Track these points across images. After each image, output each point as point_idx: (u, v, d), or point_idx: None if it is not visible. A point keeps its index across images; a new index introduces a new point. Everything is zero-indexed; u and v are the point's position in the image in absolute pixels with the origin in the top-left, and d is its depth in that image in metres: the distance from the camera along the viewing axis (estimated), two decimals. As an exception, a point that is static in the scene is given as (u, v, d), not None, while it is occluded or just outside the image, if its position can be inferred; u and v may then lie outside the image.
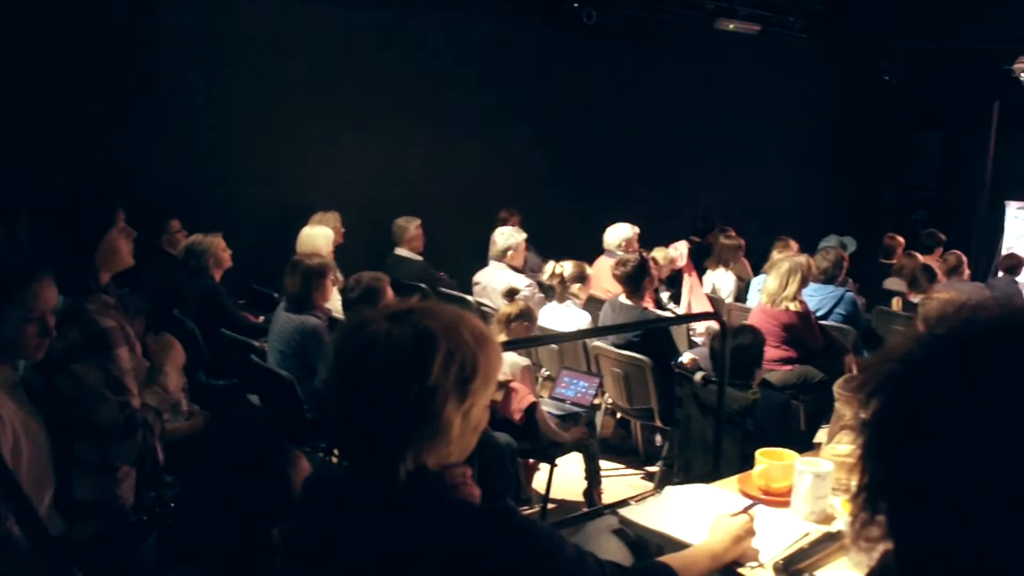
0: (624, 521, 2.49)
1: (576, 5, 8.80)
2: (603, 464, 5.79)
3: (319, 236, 6.68)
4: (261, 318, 6.11)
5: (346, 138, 7.98)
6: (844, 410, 2.93)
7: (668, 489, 2.75)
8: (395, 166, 8.26)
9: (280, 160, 7.62)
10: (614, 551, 2.35)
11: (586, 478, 5.40)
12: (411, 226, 7.60)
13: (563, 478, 5.54)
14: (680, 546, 2.29)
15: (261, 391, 5.19)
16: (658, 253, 7.52)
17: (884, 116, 12.65)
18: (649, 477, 5.94)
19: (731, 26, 9.85)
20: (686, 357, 5.78)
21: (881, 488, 1.08)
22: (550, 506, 5.29)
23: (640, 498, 2.73)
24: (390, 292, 4.76)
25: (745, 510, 2.34)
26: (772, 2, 10.40)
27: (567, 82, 9.39)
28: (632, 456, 6.34)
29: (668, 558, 2.04)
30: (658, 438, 6.13)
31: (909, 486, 1.04)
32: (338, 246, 6.98)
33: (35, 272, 2.44)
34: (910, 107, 12.58)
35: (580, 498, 5.46)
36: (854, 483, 1.12)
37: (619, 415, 6.35)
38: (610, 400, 6.08)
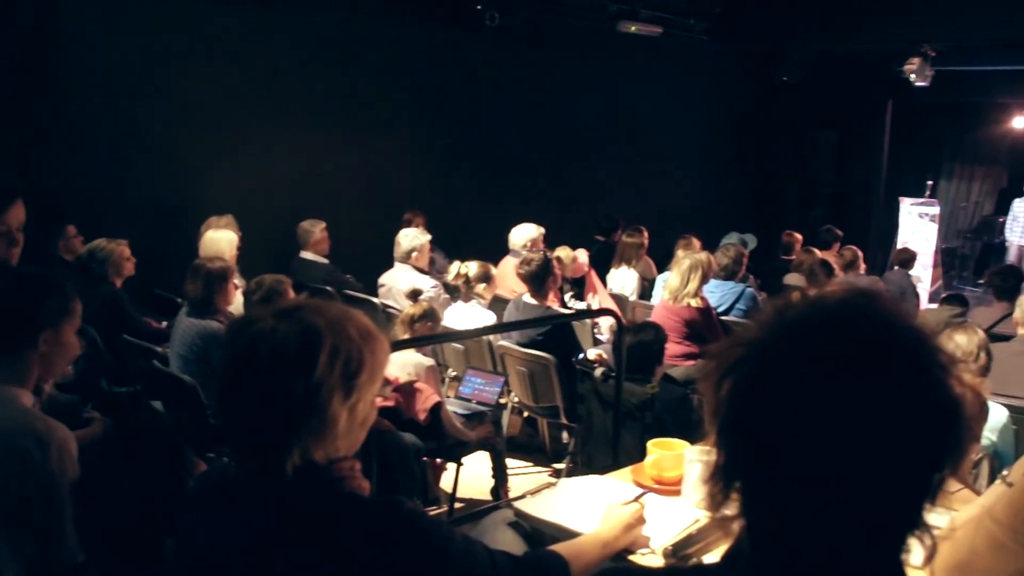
0: (519, 514, 2.52)
1: (479, 8, 8.83)
2: (511, 462, 5.85)
3: (223, 240, 6.60)
4: (164, 323, 6.03)
5: (248, 141, 7.89)
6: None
7: (562, 481, 2.80)
8: (300, 169, 8.20)
9: (181, 164, 7.50)
10: (509, 543, 2.39)
11: (493, 476, 5.45)
12: (316, 229, 7.56)
13: (471, 477, 5.58)
14: (574, 536, 2.33)
15: (164, 397, 5.12)
16: (562, 252, 7.60)
17: (783, 116, 12.97)
18: (557, 474, 5.99)
19: (633, 28, 9.96)
20: (592, 353, 5.86)
21: (734, 467, 1.13)
22: (458, 505, 5.31)
23: (535, 491, 2.77)
24: (292, 294, 4.74)
25: (636, 499, 2.40)
26: (673, 5, 10.56)
27: (472, 84, 9.43)
28: (540, 454, 6.40)
29: (559, 547, 2.09)
30: (565, 435, 6.20)
31: (760, 464, 1.10)
32: (241, 250, 6.91)
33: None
34: (808, 108, 12.92)
35: (488, 497, 5.50)
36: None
37: (526, 413, 6.41)
38: (516, 399, 6.13)
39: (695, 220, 10.16)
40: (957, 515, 2.26)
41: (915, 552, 1.12)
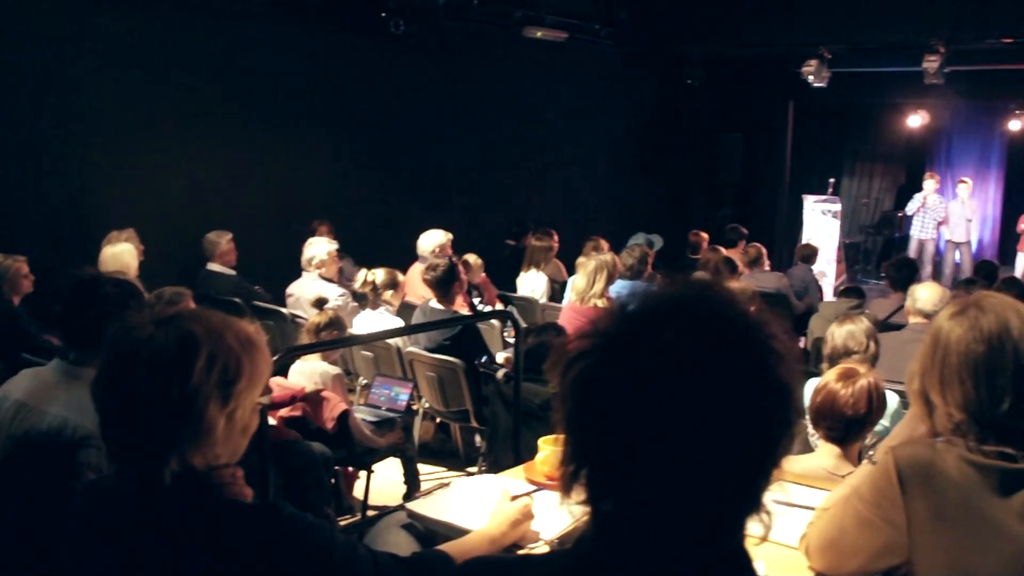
0: (412, 515, 2.55)
1: (384, 15, 8.82)
2: (425, 468, 5.87)
3: (126, 253, 6.51)
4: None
5: (149, 152, 7.73)
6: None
7: (455, 481, 2.84)
8: (204, 180, 8.09)
9: (80, 177, 7.34)
10: (402, 544, 2.41)
11: (405, 483, 5.45)
12: (222, 240, 7.49)
13: (384, 485, 5.58)
14: (466, 535, 2.37)
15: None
16: (471, 257, 7.65)
17: (689, 118, 13.18)
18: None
19: (539, 34, 10.05)
20: (500, 356, 5.91)
21: (581, 454, 1.17)
22: (371, 513, 5.31)
23: (427, 492, 2.81)
24: (192, 306, 4.70)
25: (526, 495, 2.44)
26: (578, 10, 10.68)
27: (379, 91, 9.41)
28: (453, 459, 6.42)
29: (446, 546, 2.12)
30: (477, 439, 6.23)
31: (603, 451, 1.14)
32: (144, 264, 6.81)
33: None
34: (713, 109, 13.16)
35: (401, 503, 5.50)
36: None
37: (438, 419, 6.43)
38: (427, 404, 6.15)
39: (604, 222, 10.30)
40: (829, 495, 2.35)
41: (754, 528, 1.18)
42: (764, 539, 1.18)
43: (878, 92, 13.51)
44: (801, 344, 8.11)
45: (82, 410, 2.50)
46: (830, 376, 3.23)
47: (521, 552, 2.33)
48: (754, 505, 1.16)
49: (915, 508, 1.92)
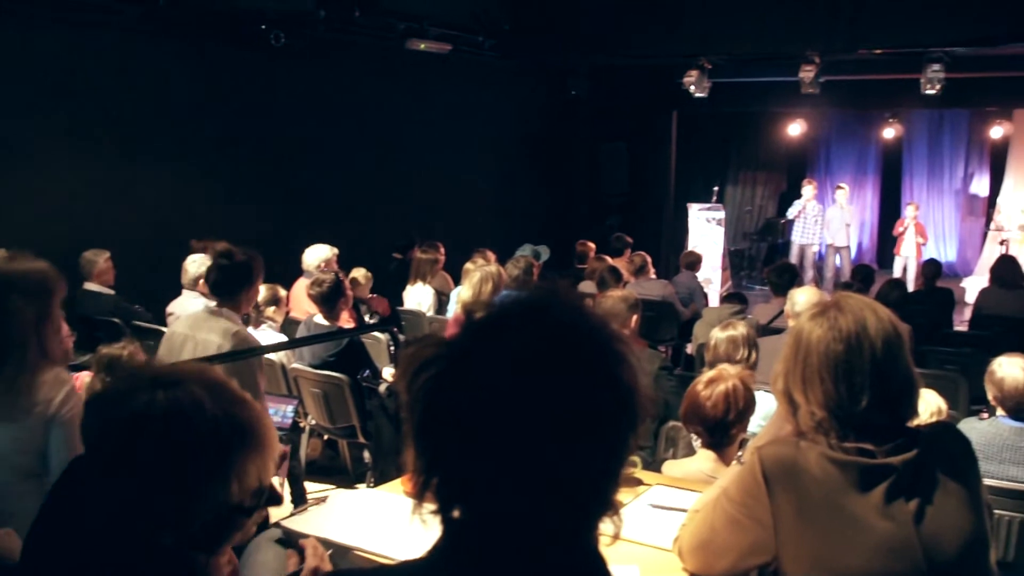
0: (287, 531, 2.51)
1: (263, 27, 8.68)
2: (312, 486, 5.77)
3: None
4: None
5: (23, 169, 7.49)
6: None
7: (331, 496, 2.79)
8: (80, 197, 7.84)
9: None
10: (271, 561, 2.36)
11: (292, 502, 5.35)
12: (100, 259, 7.26)
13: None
14: (340, 549, 2.33)
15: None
16: (359, 272, 7.57)
17: (575, 129, 13.30)
18: (358, 494, 5.96)
19: (422, 46, 10.02)
20: (387, 372, 5.86)
21: (429, 463, 1.16)
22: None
23: (303, 508, 2.76)
24: (65, 327, 4.54)
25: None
26: (462, 22, 10.68)
27: (259, 104, 9.26)
28: (342, 475, 6.33)
29: None
30: (366, 454, 6.16)
31: (451, 458, 1.13)
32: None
33: None
34: (599, 120, 13.30)
35: (287, 522, 5.41)
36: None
37: (325, 436, 6.34)
38: (314, 421, 6.06)
39: (492, 234, 10.31)
40: (700, 497, 2.38)
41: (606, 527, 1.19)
42: (616, 538, 1.18)
43: (758, 102, 13.85)
44: (688, 350, 8.27)
45: (224, 335, 4.02)
46: (699, 380, 3.29)
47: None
48: (604, 506, 1.16)
49: (780, 506, 1.95)
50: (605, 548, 1.20)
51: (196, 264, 6.78)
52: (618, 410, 1.14)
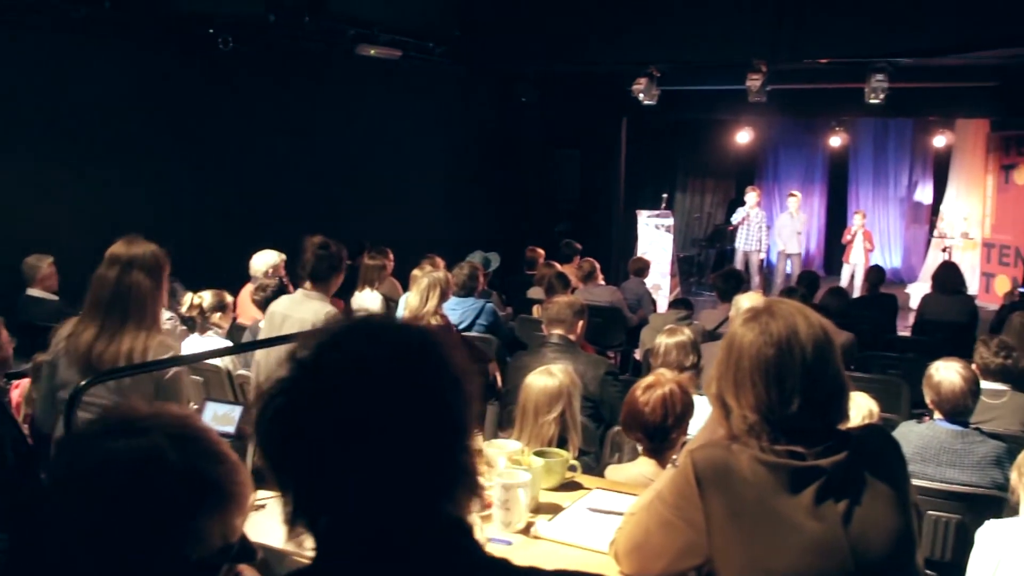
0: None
1: (211, 31, 8.60)
2: (260, 494, 5.71)
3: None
4: None
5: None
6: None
7: (271, 503, 2.78)
8: (22, 201, 7.73)
9: None
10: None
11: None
12: (43, 264, 7.15)
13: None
14: (279, 556, 2.31)
15: None
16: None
17: (526, 136, 13.35)
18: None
19: (372, 51, 9.99)
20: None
21: (288, 485, 1.24)
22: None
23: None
24: (4, 333, 4.50)
25: None
26: (412, 28, 10.66)
27: (207, 109, 9.18)
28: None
29: None
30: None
31: (305, 474, 1.23)
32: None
33: None
34: (549, 126, 13.37)
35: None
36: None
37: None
38: (260, 428, 6.00)
39: (443, 240, 10.31)
40: (636, 500, 2.40)
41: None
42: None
43: (707, 109, 13.99)
44: (636, 355, 8.32)
45: (316, 314, 4.30)
46: (638, 386, 3.32)
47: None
48: (454, 481, 1.26)
49: (712, 508, 1.98)
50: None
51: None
52: (450, 395, 1.25)
